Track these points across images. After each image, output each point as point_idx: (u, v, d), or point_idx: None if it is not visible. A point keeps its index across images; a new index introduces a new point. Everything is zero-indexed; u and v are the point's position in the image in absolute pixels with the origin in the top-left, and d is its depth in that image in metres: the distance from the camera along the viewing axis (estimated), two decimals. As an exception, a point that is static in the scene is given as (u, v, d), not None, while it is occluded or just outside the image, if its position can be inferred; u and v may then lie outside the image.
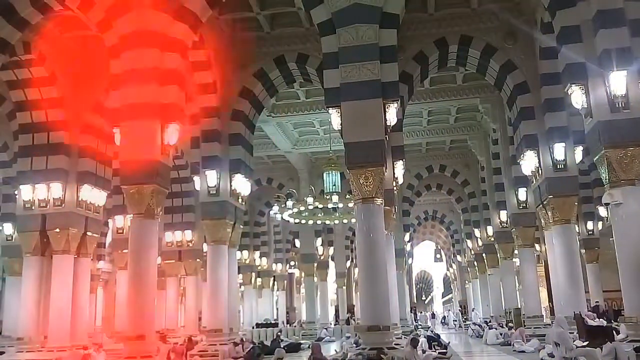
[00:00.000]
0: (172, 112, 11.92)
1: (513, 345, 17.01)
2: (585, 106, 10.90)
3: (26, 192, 15.41)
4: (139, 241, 11.64)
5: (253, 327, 29.28)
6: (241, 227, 17.56)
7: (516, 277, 24.99)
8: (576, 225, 17.20)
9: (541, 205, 15.71)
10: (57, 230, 15.17)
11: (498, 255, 24.76)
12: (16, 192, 15.97)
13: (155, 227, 11.95)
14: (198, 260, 22.83)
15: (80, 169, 15.77)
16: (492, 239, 26.08)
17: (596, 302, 23.72)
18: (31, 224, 15.30)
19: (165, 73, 11.94)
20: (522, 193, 19.87)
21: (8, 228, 18.54)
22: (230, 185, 16.44)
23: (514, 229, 20.47)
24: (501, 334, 20.21)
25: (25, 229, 15.43)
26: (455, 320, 37.66)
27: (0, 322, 20.99)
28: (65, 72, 15.89)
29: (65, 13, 13.60)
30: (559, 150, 14.99)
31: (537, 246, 24.79)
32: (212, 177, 16.17)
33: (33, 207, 15.35)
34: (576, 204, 15.12)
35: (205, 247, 18.48)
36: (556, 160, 14.98)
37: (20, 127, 16.00)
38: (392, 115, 11.72)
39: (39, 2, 12.59)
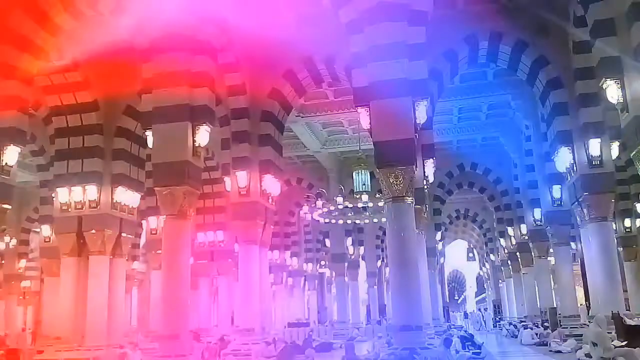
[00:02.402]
0: (202, 114, 12.06)
1: (549, 345, 16.70)
2: (621, 100, 10.63)
3: (63, 195, 15.79)
4: (172, 242, 11.82)
5: (285, 327, 29.40)
6: (271, 227, 17.65)
7: (551, 276, 24.54)
8: (613, 223, 16.80)
9: (576, 203, 15.37)
10: (93, 231, 15.50)
11: (532, 254, 24.39)
12: (53, 195, 16.37)
13: (187, 227, 12.11)
14: (230, 260, 23.03)
15: (115, 172, 16.09)
16: (526, 238, 25.68)
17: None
18: (68, 225, 15.66)
19: (196, 75, 12.09)
20: (556, 190, 19.52)
21: (46, 230, 19.02)
22: (261, 186, 16.55)
23: (548, 227, 20.13)
24: (537, 334, 19.88)
25: (62, 231, 15.81)
26: (486, 320, 37.07)
27: (40, 322, 21.56)
28: (99, 77, 16.24)
29: (98, 18, 13.88)
30: (594, 146, 14.64)
31: (572, 244, 24.29)
32: (242, 177, 16.31)
33: (69, 209, 15.71)
34: (613, 201, 14.76)
35: (236, 247, 18.63)
36: (591, 156, 14.64)
37: (56, 131, 16.41)
38: (421, 113, 11.61)
39: (72, 8, 12.87)
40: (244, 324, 15.99)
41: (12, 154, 12.24)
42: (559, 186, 19.25)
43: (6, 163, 12.14)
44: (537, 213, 23.35)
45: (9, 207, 12.52)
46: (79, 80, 15.76)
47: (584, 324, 17.73)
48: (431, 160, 15.91)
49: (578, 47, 14.88)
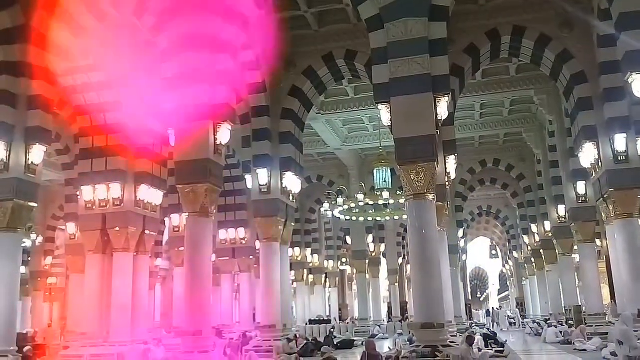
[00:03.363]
0: (223, 112, 12.14)
1: (574, 343, 16.48)
2: (648, 94, 10.41)
3: (87, 193, 16.01)
4: (194, 239, 11.93)
5: (306, 324, 29.49)
6: (292, 224, 17.72)
7: (576, 274, 24.21)
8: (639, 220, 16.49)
9: (602, 199, 15.11)
10: (117, 229, 15.69)
11: (556, 251, 24.14)
12: (78, 193, 16.63)
13: (209, 225, 12.22)
14: (251, 257, 23.17)
15: (138, 170, 16.26)
16: (550, 235, 25.39)
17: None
18: (92, 223, 15.87)
19: (216, 74, 12.17)
20: (581, 186, 19.25)
21: (71, 227, 19.30)
22: (281, 183, 16.61)
23: (573, 224, 19.86)
24: (561, 332, 19.63)
25: (87, 228, 16.03)
26: (513, 318, 36.66)
27: (66, 318, 21.93)
28: (121, 76, 16.43)
29: (120, 19, 14.05)
30: (619, 142, 14.35)
31: (597, 241, 23.91)
32: (263, 175, 16.39)
33: (94, 207, 15.92)
34: (639, 197, 14.47)
35: (257, 244, 18.73)
36: (617, 151, 14.36)
37: (81, 130, 16.65)
38: (443, 109, 11.53)
39: (95, 9, 13.05)
40: (265, 321, 16.09)
41: (38, 153, 12.48)
42: (584, 182, 18.98)
43: (32, 162, 12.38)
44: (562, 210, 23.09)
45: (36, 205, 12.76)
46: (102, 80, 15.97)
47: (610, 322, 17.46)
48: (453, 156, 15.76)
49: (603, 41, 14.60)
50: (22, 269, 17.18)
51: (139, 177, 16.18)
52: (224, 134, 12.14)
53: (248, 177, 17.05)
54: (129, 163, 16.13)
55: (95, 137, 16.25)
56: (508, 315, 37.29)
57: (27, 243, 26.50)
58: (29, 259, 29.15)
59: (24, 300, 27.00)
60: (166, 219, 23.34)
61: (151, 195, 16.57)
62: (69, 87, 16.17)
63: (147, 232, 16.52)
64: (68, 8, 12.79)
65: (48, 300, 33.56)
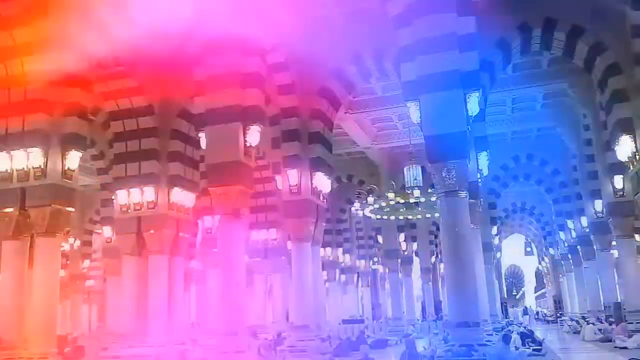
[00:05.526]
0: (253, 114, 12.23)
1: (614, 341, 16.08)
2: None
3: (122, 197, 16.34)
4: (227, 240, 12.08)
5: (339, 323, 29.47)
6: (323, 224, 17.72)
7: (615, 270, 23.63)
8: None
9: (640, 193, 14.72)
10: (152, 231, 15.97)
11: (594, 247, 23.63)
12: (113, 197, 16.97)
13: (241, 226, 12.35)
14: (283, 257, 23.27)
15: (171, 173, 16.51)
16: (587, 230, 24.88)
17: None
18: (128, 226, 16.18)
19: (246, 77, 12.27)
20: (618, 180, 18.79)
21: (107, 231, 19.74)
22: (311, 184, 16.64)
23: (610, 219, 19.42)
24: (600, 330, 19.18)
25: (122, 231, 16.36)
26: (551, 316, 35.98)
27: (104, 320, 22.41)
28: (153, 82, 16.72)
29: (151, 24, 14.28)
30: (657, 133, 13.96)
31: (637, 236, 23.31)
32: (293, 176, 16.44)
33: (129, 211, 16.23)
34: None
35: (289, 244, 18.81)
36: (655, 143, 13.96)
37: (115, 135, 17.00)
38: (473, 105, 11.37)
39: (125, 17, 13.29)
40: (298, 321, 16.14)
41: (73, 159, 12.79)
42: (621, 176, 18.55)
43: (69, 167, 12.69)
44: (598, 204, 22.66)
45: (73, 209, 13.06)
46: (134, 85, 16.28)
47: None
48: (485, 152, 15.55)
49: (637, 31, 14.20)
50: (61, 272, 17.59)
51: (171, 180, 16.43)
52: (254, 136, 12.24)
53: (278, 178, 17.13)
54: (161, 166, 16.41)
55: (128, 142, 16.57)
56: (545, 314, 36.63)
57: (66, 247, 27.13)
58: (68, 262, 29.83)
59: (63, 303, 27.68)
60: (199, 221, 23.63)
61: (184, 197, 16.80)
62: (102, 94, 16.55)
63: (180, 234, 16.76)
64: (100, 17, 13.07)
65: (86, 302, 34.37)
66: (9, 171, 12.47)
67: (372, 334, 23.53)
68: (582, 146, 23.87)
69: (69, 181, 12.76)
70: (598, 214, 22.88)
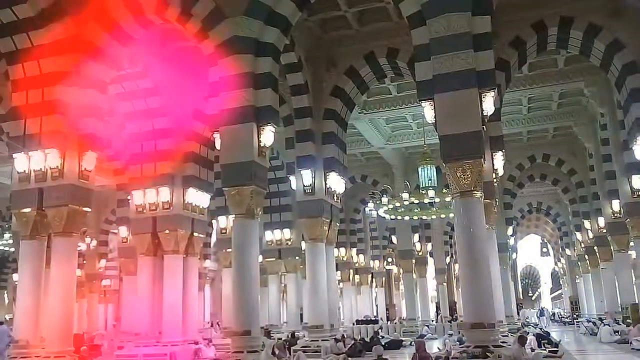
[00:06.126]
0: (266, 114, 12.26)
1: (631, 343, 15.88)
2: None
3: (138, 197, 16.47)
4: (241, 240, 12.09)
5: (353, 324, 29.44)
6: (337, 224, 17.70)
7: (632, 271, 23.34)
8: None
9: (659, 193, 14.52)
10: (167, 231, 16.06)
11: (611, 247, 23.37)
12: (129, 197, 17.10)
13: (255, 226, 12.36)
14: (297, 257, 23.30)
15: (185, 174, 16.61)
16: (604, 231, 24.62)
17: None
18: (143, 226, 16.30)
19: (259, 77, 12.30)
20: (636, 180, 18.57)
21: (123, 231, 19.88)
22: (325, 184, 16.63)
23: (628, 219, 19.17)
24: (617, 331, 18.96)
25: (138, 231, 16.48)
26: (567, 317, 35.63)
27: (120, 319, 22.56)
28: (168, 82, 16.82)
29: (165, 26, 14.39)
30: (677, 132, 13.76)
31: (656, 237, 22.97)
32: (307, 176, 16.45)
33: (144, 211, 16.35)
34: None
35: (303, 245, 18.82)
36: (674, 143, 13.76)
37: (130, 136, 17.13)
38: (489, 104, 11.26)
39: (141, 18, 13.40)
40: (312, 321, 16.14)
41: (90, 159, 12.90)
42: (639, 176, 18.24)
43: (85, 168, 12.80)
44: (616, 205, 22.39)
45: (89, 210, 13.17)
46: (149, 86, 16.39)
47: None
48: (500, 152, 15.42)
49: (656, 28, 14.02)
50: (78, 272, 17.76)
51: (186, 181, 16.52)
52: (268, 136, 12.26)
53: (292, 178, 17.16)
54: (176, 167, 16.50)
55: (144, 143, 16.69)
56: (561, 315, 36.27)
57: (82, 247, 27.42)
58: (84, 262, 30.17)
59: (79, 302, 27.96)
60: (214, 221, 23.73)
61: (199, 198, 16.89)
62: (118, 95, 16.69)
63: (195, 234, 16.84)
64: (115, 17, 13.19)
65: (103, 301, 34.69)
66: (27, 172, 12.60)
67: (387, 335, 23.44)
68: (599, 146, 23.59)
69: (85, 181, 12.86)
70: (615, 214, 22.62)
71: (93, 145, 12.98)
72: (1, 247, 29.83)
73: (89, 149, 12.86)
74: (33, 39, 12.72)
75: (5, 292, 41.03)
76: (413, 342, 15.35)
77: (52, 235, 12.56)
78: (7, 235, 27.16)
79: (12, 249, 26.79)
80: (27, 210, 12.52)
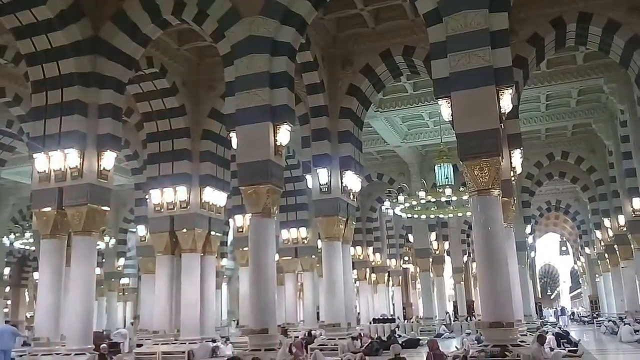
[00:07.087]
0: (283, 113, 12.28)
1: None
2: None
3: (155, 196, 16.63)
4: (257, 239, 12.14)
5: (370, 323, 29.40)
6: (354, 223, 17.68)
7: (654, 270, 23.02)
8: None
9: (681, 191, 14.26)
10: (184, 230, 16.20)
11: (632, 246, 23.03)
12: (147, 197, 17.27)
13: (272, 225, 12.39)
14: (313, 256, 23.32)
15: (202, 173, 16.73)
16: (625, 229, 24.25)
17: None
18: (161, 225, 16.47)
19: (276, 76, 12.33)
20: (657, 178, 18.23)
21: (141, 230, 20.08)
22: (342, 182, 16.61)
23: (649, 218, 18.85)
24: (637, 331, 18.70)
25: (156, 230, 16.65)
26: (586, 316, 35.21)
27: (138, 317, 22.78)
28: (184, 83, 16.97)
29: (182, 27, 14.50)
30: (699, 129, 13.50)
31: (677, 236, 22.62)
32: (323, 175, 16.44)
33: (162, 210, 16.51)
34: None
35: (319, 243, 18.84)
36: (696, 140, 13.51)
37: (148, 136, 17.31)
38: (506, 102, 11.16)
39: (158, 19, 13.52)
40: (329, 319, 16.14)
41: (109, 159, 13.05)
42: (661, 174, 17.97)
43: (104, 168, 12.95)
44: (636, 202, 22.10)
45: (108, 209, 13.33)
46: (166, 86, 16.54)
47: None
48: (518, 150, 15.26)
49: (676, 24, 13.76)
50: (97, 270, 17.98)
51: (203, 180, 16.64)
52: (284, 135, 12.28)
53: (308, 177, 17.17)
54: (193, 166, 16.64)
55: (161, 143, 16.85)
56: (580, 314, 35.85)
57: (101, 245, 27.74)
58: (103, 260, 30.54)
59: (99, 300, 28.30)
60: (230, 220, 23.84)
61: (215, 197, 17.00)
62: (135, 95, 16.87)
63: (212, 232, 16.97)
64: (133, 18, 13.32)
65: (121, 299, 35.08)
66: (46, 172, 12.78)
67: (404, 334, 23.38)
68: (619, 143, 23.24)
69: (104, 181, 13.00)
70: (636, 212, 22.28)
71: (112, 145, 13.12)
72: (22, 246, 30.27)
73: (108, 149, 12.99)
74: (52, 40, 12.88)
75: (26, 290, 41.68)
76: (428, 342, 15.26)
77: (71, 234, 12.72)
78: (27, 234, 27.57)
79: (33, 248, 27.17)
80: (47, 209, 12.69)
